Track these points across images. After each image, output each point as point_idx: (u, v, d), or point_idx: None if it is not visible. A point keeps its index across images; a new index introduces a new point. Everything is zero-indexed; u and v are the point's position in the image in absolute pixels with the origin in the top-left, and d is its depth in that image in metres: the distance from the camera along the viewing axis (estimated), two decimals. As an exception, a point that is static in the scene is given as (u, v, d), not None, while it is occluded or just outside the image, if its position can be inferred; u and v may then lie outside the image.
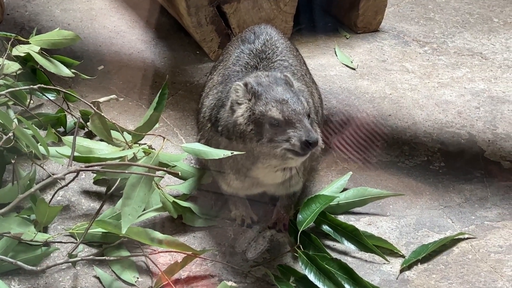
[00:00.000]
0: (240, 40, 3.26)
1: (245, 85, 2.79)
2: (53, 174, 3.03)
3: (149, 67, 4.22)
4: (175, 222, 3.10)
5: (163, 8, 4.65)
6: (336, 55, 4.41)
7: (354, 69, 4.30)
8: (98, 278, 2.83)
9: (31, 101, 3.42)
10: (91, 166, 2.66)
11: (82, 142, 3.06)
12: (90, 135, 3.47)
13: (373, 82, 4.17)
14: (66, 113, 3.38)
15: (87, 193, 3.26)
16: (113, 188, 2.83)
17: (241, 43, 3.22)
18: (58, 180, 2.66)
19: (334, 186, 3.28)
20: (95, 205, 3.20)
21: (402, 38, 4.65)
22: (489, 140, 3.72)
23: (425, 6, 5.06)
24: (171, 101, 3.92)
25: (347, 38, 4.62)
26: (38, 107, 3.71)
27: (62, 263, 2.74)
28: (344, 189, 3.28)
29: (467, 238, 3.12)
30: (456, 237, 3.11)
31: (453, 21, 4.88)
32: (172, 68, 4.22)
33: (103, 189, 3.27)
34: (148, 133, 2.94)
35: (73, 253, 2.76)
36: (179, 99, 3.95)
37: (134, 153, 2.82)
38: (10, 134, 2.78)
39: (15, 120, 2.95)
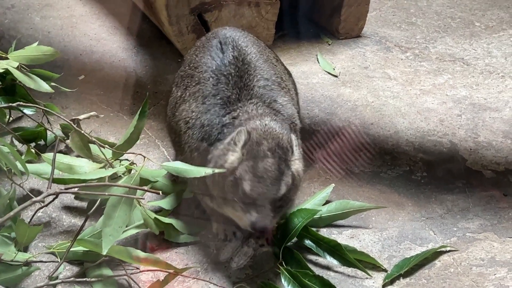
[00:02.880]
0: (209, 55, 3.16)
1: (248, 134, 2.78)
2: (32, 193, 3.03)
3: (130, 76, 4.19)
4: (157, 238, 3.09)
5: (145, 15, 4.63)
6: (319, 62, 4.41)
7: (336, 76, 4.29)
8: (79, 297, 2.82)
9: (11, 117, 3.40)
10: (71, 187, 2.64)
11: (62, 159, 3.04)
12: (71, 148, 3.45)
13: (356, 90, 4.17)
14: (46, 128, 3.35)
15: (68, 208, 3.24)
16: (94, 208, 2.80)
17: (211, 60, 3.12)
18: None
19: (317, 198, 3.28)
20: (76, 221, 3.18)
21: (384, 43, 4.65)
22: (470, 149, 3.73)
23: (407, 10, 5.06)
24: (153, 111, 3.90)
25: (329, 44, 4.62)
26: (18, 120, 3.68)
27: (43, 286, 2.72)
28: (327, 201, 3.28)
29: (449, 251, 3.13)
30: (438, 250, 3.11)
31: (435, 25, 4.89)
32: (154, 77, 4.20)
33: (84, 204, 3.25)
34: (129, 151, 2.92)
35: (54, 274, 2.74)
36: (161, 109, 3.93)
37: (115, 172, 2.80)
38: (-11, 153, 2.75)
39: (-6, 139, 2.93)
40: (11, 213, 2.58)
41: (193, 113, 3.06)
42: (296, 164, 2.85)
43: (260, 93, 3.03)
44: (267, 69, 3.13)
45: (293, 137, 2.86)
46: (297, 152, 2.87)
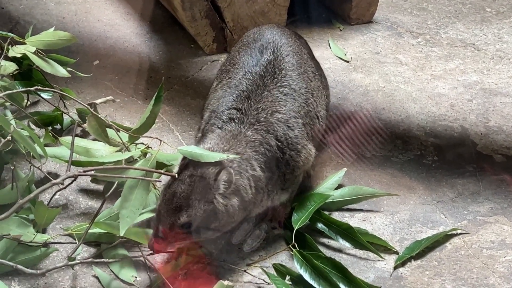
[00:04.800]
0: (249, 55, 3.23)
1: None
2: (50, 175, 3.09)
3: (144, 61, 4.24)
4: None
5: (158, 0, 4.66)
6: (330, 48, 4.44)
7: (347, 61, 4.33)
8: (97, 277, 2.87)
9: (28, 101, 3.45)
10: (89, 170, 2.69)
11: (80, 142, 3.09)
12: (87, 132, 3.50)
13: (367, 75, 4.20)
14: (62, 112, 3.40)
15: (85, 191, 3.30)
16: (111, 190, 2.86)
17: (249, 59, 3.20)
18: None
19: (329, 182, 3.32)
20: (93, 203, 3.24)
21: (396, 29, 4.67)
22: (481, 133, 3.76)
23: (418, -5, 5.09)
24: (166, 96, 3.94)
25: (340, 30, 4.64)
26: (34, 104, 3.74)
27: (61, 266, 2.78)
28: (339, 185, 3.32)
29: (460, 234, 3.18)
30: (449, 233, 3.16)
31: (446, 11, 4.91)
32: (167, 62, 4.25)
33: (100, 187, 3.30)
34: (144, 135, 2.97)
35: (73, 255, 2.80)
36: (175, 94, 3.98)
37: (131, 156, 2.85)
38: (9, 137, 2.80)
39: (13, 122, 2.98)
40: (31, 195, 2.64)
41: (213, 99, 3.15)
42: (225, 200, 2.78)
43: (274, 98, 3.07)
44: (298, 81, 3.17)
45: (225, 173, 2.74)
46: (225, 188, 2.75)
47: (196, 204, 2.72)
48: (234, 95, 3.07)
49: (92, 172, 2.76)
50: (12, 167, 2.90)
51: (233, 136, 2.94)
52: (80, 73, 3.61)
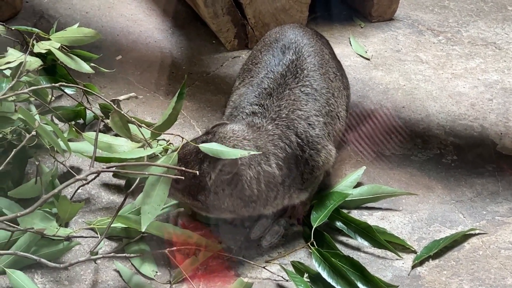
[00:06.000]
0: (271, 54, 3.27)
1: (213, 134, 2.95)
2: (72, 169, 3.14)
3: (166, 57, 4.27)
4: (189, 217, 3.17)
5: (180, -4, 4.70)
6: (351, 45, 4.45)
7: (368, 59, 4.34)
8: (118, 272, 2.92)
9: (53, 97, 3.50)
10: (112, 166, 2.74)
11: (102, 138, 3.13)
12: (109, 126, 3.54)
13: (387, 73, 4.22)
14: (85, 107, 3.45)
15: (107, 186, 3.34)
16: (133, 186, 2.90)
17: (272, 58, 3.24)
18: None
19: (348, 180, 3.35)
20: (115, 198, 3.28)
21: (417, 27, 4.67)
22: (501, 133, 3.76)
23: (440, -7, 5.08)
24: (188, 92, 3.97)
25: (361, 27, 4.65)
26: (58, 98, 3.78)
27: (84, 261, 2.83)
28: (358, 183, 3.35)
29: (478, 234, 3.19)
30: (467, 233, 3.17)
31: (468, 9, 4.90)
32: (189, 58, 4.28)
33: (122, 182, 3.35)
34: (167, 132, 3.01)
35: (95, 250, 2.85)
36: (196, 90, 4.01)
37: (154, 153, 2.89)
38: (33, 132, 2.85)
39: (37, 117, 3.03)
40: (55, 190, 2.69)
41: (235, 96, 3.20)
42: (217, 181, 2.87)
43: (295, 97, 3.10)
44: (319, 81, 3.19)
45: (230, 161, 2.82)
46: (223, 173, 2.84)
47: (192, 166, 2.82)
48: (256, 92, 3.11)
49: (115, 169, 2.80)
50: (37, 163, 2.95)
51: (256, 128, 2.99)
52: (103, 69, 3.64)
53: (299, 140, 3.03)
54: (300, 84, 3.14)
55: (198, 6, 4.33)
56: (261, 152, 2.89)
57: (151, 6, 4.72)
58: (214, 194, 2.87)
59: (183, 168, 2.75)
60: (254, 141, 2.93)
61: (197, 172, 2.76)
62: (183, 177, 2.72)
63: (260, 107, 3.06)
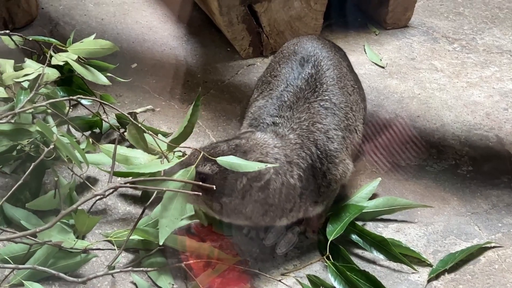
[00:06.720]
0: (290, 67, 3.28)
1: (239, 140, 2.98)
2: (89, 180, 3.16)
3: (181, 65, 4.29)
4: (206, 229, 3.19)
5: (195, 3, 4.70)
6: (366, 53, 4.45)
7: (383, 67, 4.34)
8: (135, 284, 2.94)
9: (70, 108, 3.52)
10: (130, 182, 2.75)
11: (119, 150, 3.14)
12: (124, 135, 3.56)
13: (402, 81, 4.21)
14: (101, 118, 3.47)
15: (124, 196, 3.36)
16: (150, 200, 2.92)
17: (290, 71, 3.25)
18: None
19: (364, 192, 3.35)
20: (131, 209, 3.30)
21: (432, 34, 4.67)
22: (516, 144, 3.77)
23: (454, 0, 5.06)
24: (203, 101, 3.98)
25: (376, 34, 4.65)
26: (74, 107, 3.80)
27: (102, 275, 2.85)
28: (373, 195, 3.35)
29: (494, 247, 3.19)
30: (483, 246, 3.17)
31: (483, 16, 4.89)
32: (204, 65, 4.29)
33: (138, 193, 3.36)
34: (183, 145, 3.02)
35: (113, 263, 2.87)
36: (211, 98, 4.03)
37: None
38: (52, 146, 2.87)
39: (55, 130, 3.05)
40: (73, 206, 2.70)
41: (254, 108, 3.21)
42: (247, 186, 2.88)
43: (315, 111, 3.11)
44: (338, 95, 3.21)
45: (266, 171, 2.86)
46: (255, 179, 2.86)
47: (222, 169, 2.83)
48: (276, 105, 3.14)
49: (133, 186, 2.82)
50: (55, 178, 2.97)
51: (280, 137, 3.02)
52: (119, 78, 3.66)
53: (319, 153, 3.04)
54: (319, 98, 3.15)
55: (213, 14, 4.34)
56: (277, 164, 2.89)
57: (166, 13, 4.74)
58: (240, 198, 2.88)
59: (201, 183, 2.76)
60: (283, 149, 2.96)
61: (214, 187, 2.77)
62: (200, 194, 2.73)
63: (280, 118, 3.08)
